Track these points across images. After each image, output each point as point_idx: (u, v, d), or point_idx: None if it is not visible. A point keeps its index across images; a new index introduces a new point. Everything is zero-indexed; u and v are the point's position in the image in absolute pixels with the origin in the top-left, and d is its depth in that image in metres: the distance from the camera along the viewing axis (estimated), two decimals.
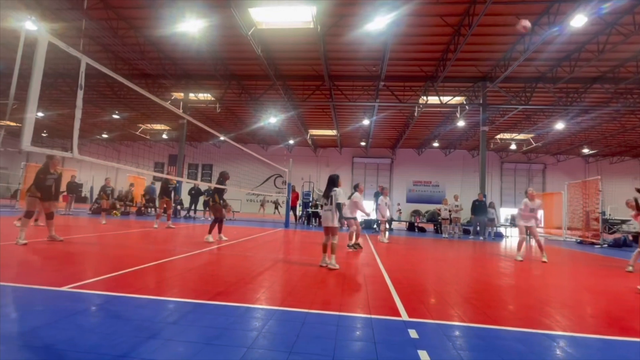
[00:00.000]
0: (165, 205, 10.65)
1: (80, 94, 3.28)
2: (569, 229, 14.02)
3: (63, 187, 15.69)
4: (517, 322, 2.98)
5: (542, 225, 7.01)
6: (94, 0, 10.30)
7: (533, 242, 8.24)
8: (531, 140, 23.35)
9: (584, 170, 27.35)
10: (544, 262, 6.80)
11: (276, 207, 26.09)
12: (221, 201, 7.75)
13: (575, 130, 20.88)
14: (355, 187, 7.61)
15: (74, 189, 14.46)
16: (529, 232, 7.84)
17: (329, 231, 5.03)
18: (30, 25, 10.99)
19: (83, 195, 25.84)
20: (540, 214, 7.56)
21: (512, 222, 17.14)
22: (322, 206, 5.36)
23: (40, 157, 12.14)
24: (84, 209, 18.46)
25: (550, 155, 27.41)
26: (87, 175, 26.25)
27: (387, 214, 10.18)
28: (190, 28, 10.63)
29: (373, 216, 12.85)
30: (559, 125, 18.53)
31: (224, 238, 7.71)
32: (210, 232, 7.38)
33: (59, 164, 6.92)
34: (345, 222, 7.61)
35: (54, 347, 1.99)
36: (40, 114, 20.75)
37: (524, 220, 7.37)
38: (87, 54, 3.56)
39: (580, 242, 12.65)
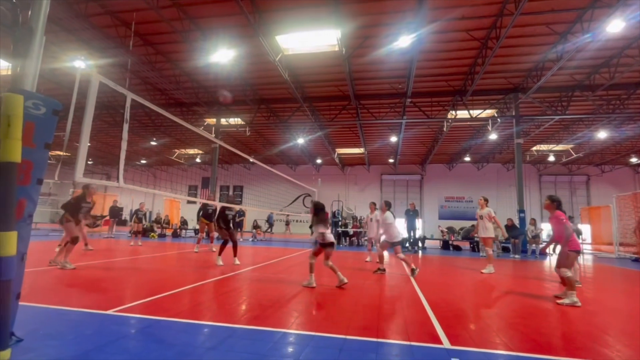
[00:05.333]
0: (207, 228, 10.91)
1: (125, 127, 3.53)
2: (621, 244, 12.96)
3: (105, 212, 16.75)
4: (572, 352, 2.76)
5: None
6: (136, 39, 11.16)
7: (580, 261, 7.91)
8: (571, 151, 22.14)
9: (633, 180, 25.44)
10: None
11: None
12: (224, 224, 7.41)
13: (620, 139, 19.60)
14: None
15: (116, 213, 15.28)
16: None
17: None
18: (79, 63, 12.07)
19: (123, 218, 27.23)
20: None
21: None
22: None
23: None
24: (125, 231, 19.39)
25: (593, 166, 25.79)
26: (127, 199, 27.69)
27: (376, 231, 9.03)
28: (221, 58, 11.21)
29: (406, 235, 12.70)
30: (602, 134, 17.50)
31: (237, 262, 7.42)
32: (219, 254, 7.37)
33: (95, 194, 7.09)
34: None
35: None
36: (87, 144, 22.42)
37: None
38: (129, 88, 3.85)
39: (636, 260, 11.62)
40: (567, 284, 4.55)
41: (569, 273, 4.56)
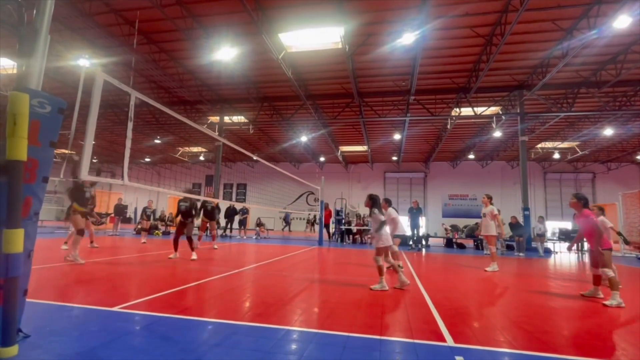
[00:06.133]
0: (208, 226, 10.95)
1: (130, 125, 3.55)
2: (626, 243, 12.84)
3: (110, 210, 16.86)
4: (577, 351, 2.75)
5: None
6: (139, 37, 11.20)
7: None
8: (576, 148, 21.97)
9: (639, 178, 25.18)
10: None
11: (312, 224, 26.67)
12: (182, 216, 7.99)
13: (627, 136, 19.41)
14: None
15: (120, 211, 15.39)
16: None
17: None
18: (84, 62, 12.13)
19: (128, 216, 27.37)
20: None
21: (560, 236, 16.02)
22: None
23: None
24: (129, 229, 19.53)
25: (599, 164, 25.56)
26: (132, 197, 27.85)
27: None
28: (224, 56, 11.23)
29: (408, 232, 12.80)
30: (608, 132, 17.34)
31: (194, 257, 7.65)
32: (175, 249, 7.87)
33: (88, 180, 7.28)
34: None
35: None
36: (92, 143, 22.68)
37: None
38: (133, 86, 3.87)
39: None
40: (610, 284, 4.40)
41: (611, 273, 4.41)
